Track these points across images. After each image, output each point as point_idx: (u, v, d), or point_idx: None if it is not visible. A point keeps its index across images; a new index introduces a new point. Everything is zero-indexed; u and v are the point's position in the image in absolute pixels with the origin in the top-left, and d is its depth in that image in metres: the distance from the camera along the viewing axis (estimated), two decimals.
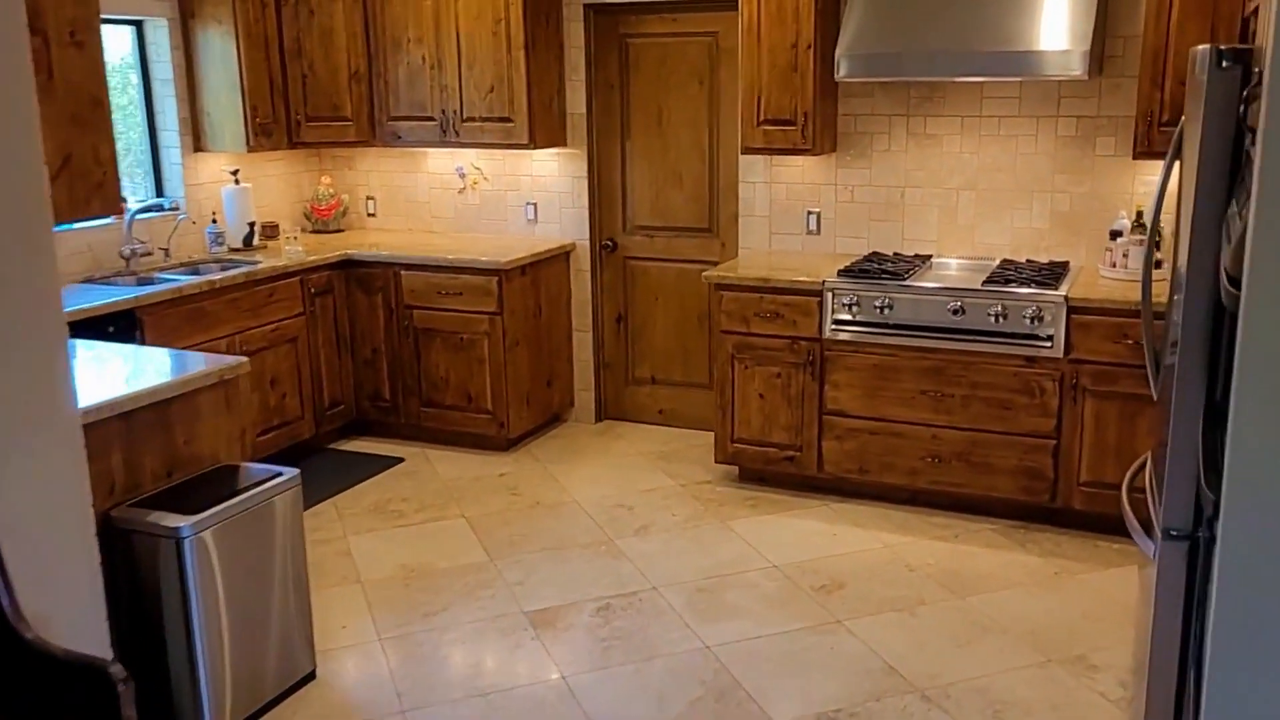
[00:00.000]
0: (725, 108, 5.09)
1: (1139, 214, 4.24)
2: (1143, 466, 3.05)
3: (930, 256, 4.69)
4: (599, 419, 5.69)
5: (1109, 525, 4.10)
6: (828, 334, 4.36)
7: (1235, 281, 1.57)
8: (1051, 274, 4.22)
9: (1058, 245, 4.51)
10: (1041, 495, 4.15)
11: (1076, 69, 3.83)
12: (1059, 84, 4.37)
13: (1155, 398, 2.73)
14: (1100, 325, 3.91)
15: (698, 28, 5.07)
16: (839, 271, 4.39)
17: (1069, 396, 4.02)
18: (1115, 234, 4.23)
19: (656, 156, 5.30)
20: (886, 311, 4.23)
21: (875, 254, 4.76)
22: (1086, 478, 4.06)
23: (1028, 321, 4.00)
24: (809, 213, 4.95)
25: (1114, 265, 4.21)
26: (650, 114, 5.26)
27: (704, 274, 4.59)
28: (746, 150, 4.67)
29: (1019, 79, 4.01)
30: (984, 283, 4.13)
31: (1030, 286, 4.04)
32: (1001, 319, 4.04)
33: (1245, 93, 1.83)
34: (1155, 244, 2.71)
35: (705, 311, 5.32)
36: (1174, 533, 2.33)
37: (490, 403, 5.14)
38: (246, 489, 2.98)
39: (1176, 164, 2.61)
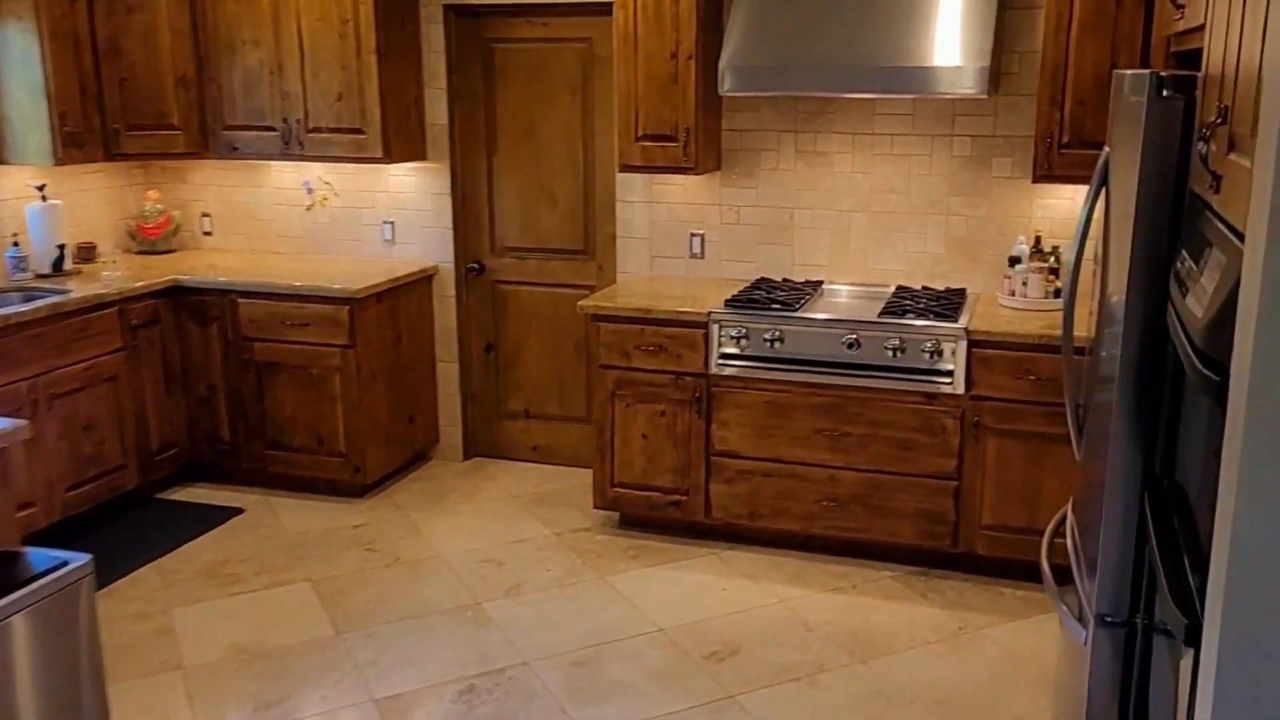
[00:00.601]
0: (601, 120, 4.76)
1: (1037, 239, 4.08)
2: (1063, 521, 2.82)
3: (821, 283, 4.45)
4: (467, 456, 5.28)
5: (1012, 570, 3.92)
6: (715, 369, 4.07)
7: (1213, 363, 1.30)
8: (949, 303, 4.01)
9: (954, 271, 4.32)
10: (943, 540, 3.94)
11: (974, 87, 3.62)
12: (953, 102, 4.18)
13: (1078, 455, 2.50)
14: (1002, 360, 3.72)
15: (570, 33, 4.72)
16: (726, 301, 4.10)
17: (970, 435, 3.81)
18: (1014, 260, 4.06)
19: (527, 172, 4.93)
20: (777, 345, 3.96)
21: (764, 280, 4.50)
22: (989, 521, 3.86)
23: (927, 356, 3.78)
24: (693, 235, 4.65)
25: (1013, 294, 4.03)
26: (519, 126, 4.88)
27: (579, 304, 4.24)
28: (624, 168, 4.35)
29: (912, 96, 3.80)
30: (880, 314, 3.90)
31: (928, 318, 3.82)
32: (899, 353, 3.81)
33: (1205, 130, 1.57)
34: (1071, 272, 2.48)
35: (582, 340, 4.97)
36: (1109, 619, 2.09)
37: (343, 444, 4.67)
38: (24, 583, 2.48)
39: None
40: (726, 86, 3.94)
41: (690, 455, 4.18)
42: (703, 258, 4.66)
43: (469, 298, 5.14)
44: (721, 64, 3.94)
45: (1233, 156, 1.44)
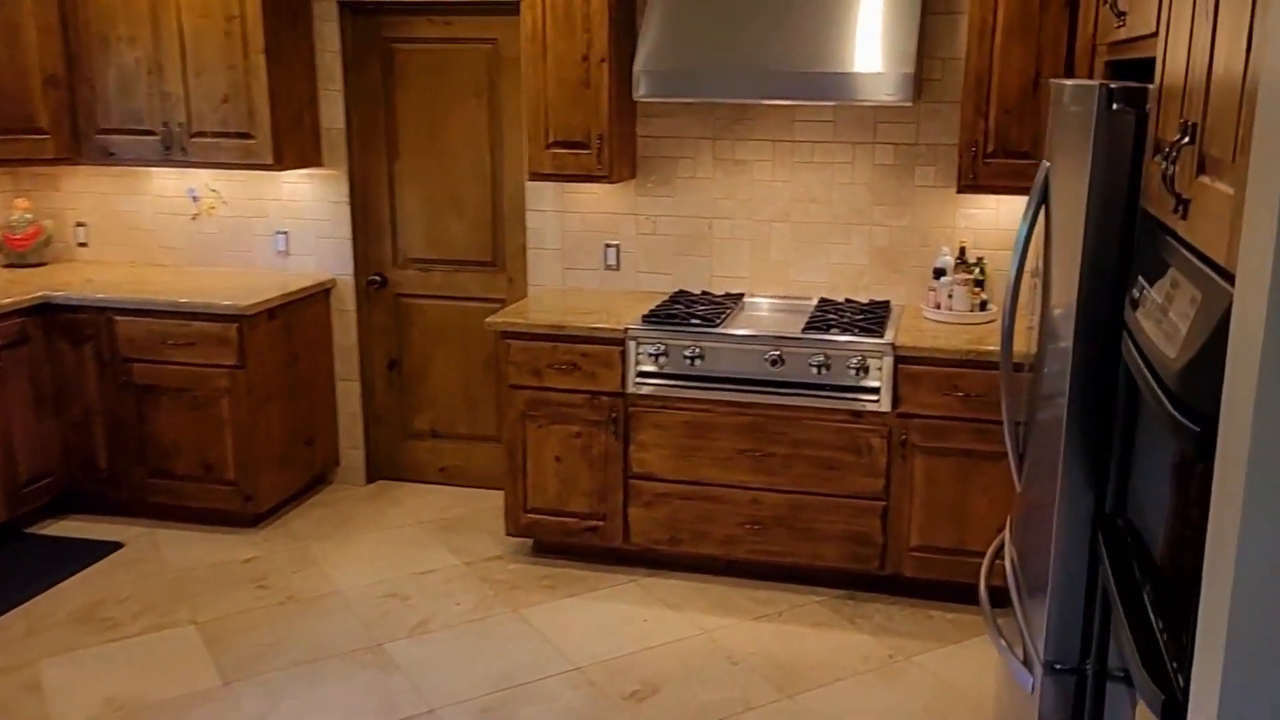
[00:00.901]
0: (509, 126, 4.55)
1: (962, 250, 4.00)
2: (1001, 547, 2.72)
3: (742, 296, 4.31)
4: (370, 480, 5.02)
5: (941, 592, 3.83)
6: (632, 388, 3.89)
7: (1191, 410, 1.17)
8: (874, 317, 3.91)
9: (878, 283, 4.22)
10: (870, 563, 3.83)
11: (899, 94, 3.52)
12: (875, 109, 4.08)
13: (1018, 480, 2.38)
14: (930, 376, 3.62)
15: (474, 33, 4.51)
16: (643, 316, 3.93)
17: (898, 454, 3.71)
18: (939, 272, 3.97)
19: (431, 179, 4.69)
20: (698, 362, 3.80)
21: (682, 293, 4.34)
22: (917, 542, 3.77)
23: (852, 372, 3.67)
24: (607, 246, 4.47)
25: (938, 306, 3.94)
26: (422, 131, 4.65)
27: (488, 320, 4.02)
28: (535, 176, 4.15)
29: (834, 103, 3.68)
30: (804, 329, 3.78)
31: (853, 332, 3.71)
32: (824, 370, 3.69)
33: (1167, 148, 1.45)
34: (1011, 289, 2.37)
35: (492, 356, 4.76)
36: (1058, 667, 1.97)
37: (234, 471, 4.38)
38: None
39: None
40: (641, 92, 3.77)
41: (607, 478, 4.00)
42: (618, 269, 4.49)
43: (370, 312, 4.88)
44: (636, 68, 3.77)
45: (1205, 179, 1.31)
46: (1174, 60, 1.56)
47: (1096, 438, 1.88)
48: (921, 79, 3.95)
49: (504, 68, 4.51)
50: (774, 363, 3.73)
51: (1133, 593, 1.54)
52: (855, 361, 3.66)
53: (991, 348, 3.55)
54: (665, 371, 3.85)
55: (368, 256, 4.83)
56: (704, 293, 4.35)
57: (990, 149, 3.69)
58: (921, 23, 3.74)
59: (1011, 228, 4.03)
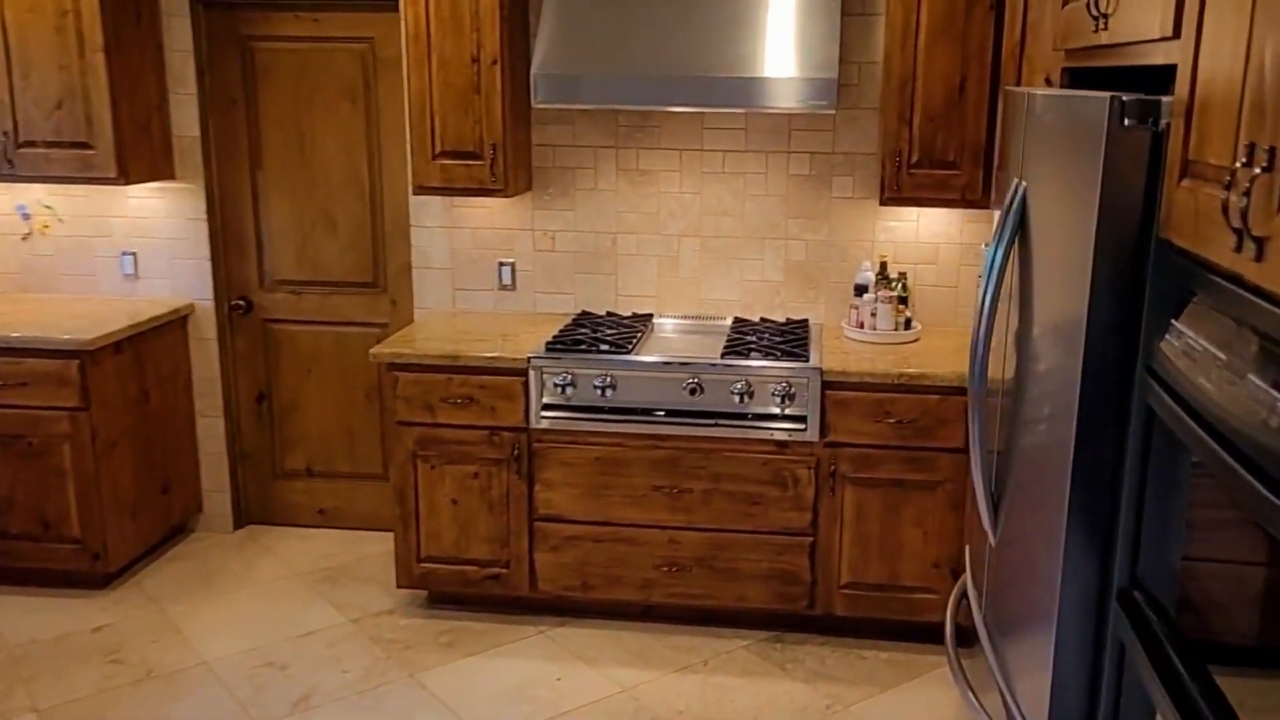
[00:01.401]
0: (390, 134, 4.18)
1: (883, 265, 3.83)
2: (963, 594, 2.52)
3: (650, 317, 4.05)
4: (239, 525, 4.57)
5: (873, 630, 3.65)
6: (536, 422, 3.58)
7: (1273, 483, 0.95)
8: (795, 338, 3.70)
9: (794, 301, 4.02)
10: (798, 602, 3.61)
11: (822, 101, 3.31)
12: (789, 116, 3.88)
13: (990, 531, 2.18)
14: (860, 402, 3.43)
15: (347, 31, 4.12)
16: (547, 343, 3.63)
17: (826, 486, 3.50)
18: (860, 289, 3.79)
19: (300, 193, 4.28)
20: (609, 393, 3.52)
21: (586, 315, 4.05)
22: (848, 579, 3.57)
23: (777, 400, 3.44)
24: (501, 264, 4.15)
25: (861, 325, 3.76)
26: (289, 139, 4.23)
27: (372, 352, 3.65)
28: (420, 190, 3.80)
29: (752, 110, 3.44)
30: (724, 353, 3.53)
31: (776, 356, 3.49)
32: (746, 398, 3.46)
33: (1232, 178, 1.24)
34: (985, 320, 2.16)
35: (375, 385, 4.38)
36: None
37: (78, 527, 3.88)
38: None
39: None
40: (540, 98, 3.47)
41: (510, 521, 3.68)
42: (514, 289, 4.17)
43: (234, 340, 4.44)
44: (534, 71, 3.46)
45: None
46: (1213, 69, 1.36)
47: (1104, 495, 1.67)
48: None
49: (382, 69, 4.14)
50: (692, 391, 3.48)
51: (1184, 698, 1.33)
52: (780, 388, 3.43)
53: (924, 370, 3.37)
54: (573, 403, 3.56)
55: (230, 279, 4.38)
56: (609, 314, 4.07)
57: (914, 159, 3.52)
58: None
59: (932, 240, 3.89)
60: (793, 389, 3.43)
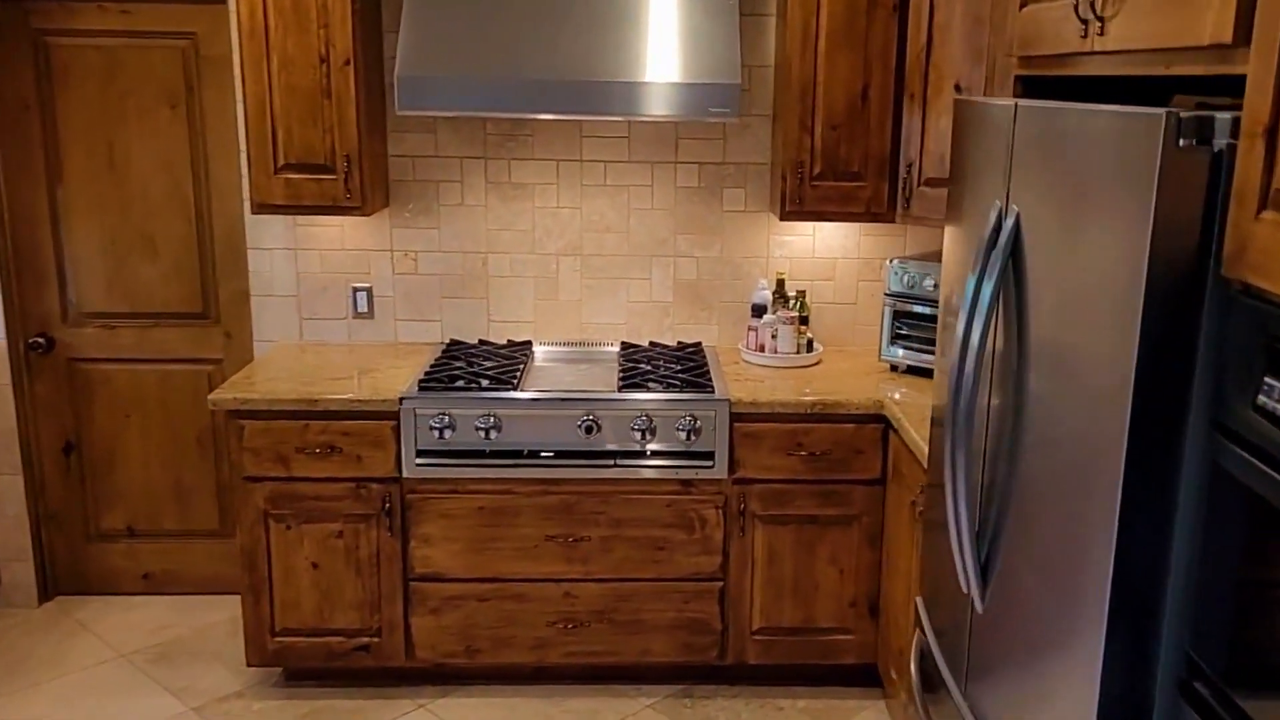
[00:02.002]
0: (219, 144, 3.69)
1: (780, 283, 3.62)
2: (923, 650, 2.31)
3: (529, 344, 3.71)
4: (46, 598, 3.97)
5: (788, 676, 3.43)
6: (411, 471, 3.20)
7: None
8: (694, 365, 3.44)
9: (685, 322, 3.77)
10: (708, 653, 3.36)
11: (725, 109, 3.06)
12: (676, 124, 3.62)
13: (977, 595, 1.96)
14: (770, 435, 3.20)
15: (164, 25, 3.61)
16: (420, 381, 3.24)
17: (735, 526, 3.26)
18: (758, 309, 3.57)
19: (112, 212, 3.73)
20: (493, 434, 3.17)
21: (457, 345, 3.68)
22: (760, 624, 3.34)
23: (683, 436, 3.17)
24: (356, 289, 3.73)
25: (761, 348, 3.54)
26: (96, 151, 3.68)
27: (212, 398, 3.18)
28: (261, 208, 3.34)
29: (648, 118, 3.15)
30: (621, 386, 3.24)
31: (678, 388, 3.22)
32: (649, 435, 3.17)
33: None
34: (973, 359, 1.94)
35: (209, 429, 3.87)
36: None
37: None
38: None
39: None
40: (403, 104, 3.08)
41: (382, 584, 3.28)
42: (371, 317, 3.75)
43: (33, 384, 3.84)
44: (399, 72, 3.07)
45: None
46: None
47: (1155, 570, 1.47)
48: None
49: (208, 70, 3.64)
50: (588, 429, 3.17)
51: None
52: (685, 423, 3.17)
53: (839, 398, 3.18)
54: (452, 448, 3.19)
55: (26, 313, 3.78)
56: (483, 343, 3.71)
57: (817, 170, 3.32)
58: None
59: (829, 256, 3.71)
60: (698, 423, 3.17)
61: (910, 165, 3.26)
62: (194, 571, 4.01)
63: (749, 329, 3.57)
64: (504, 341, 3.74)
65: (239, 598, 3.36)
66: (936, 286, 3.29)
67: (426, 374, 3.31)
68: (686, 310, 3.75)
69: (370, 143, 3.37)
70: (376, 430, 3.18)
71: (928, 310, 3.33)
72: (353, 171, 3.30)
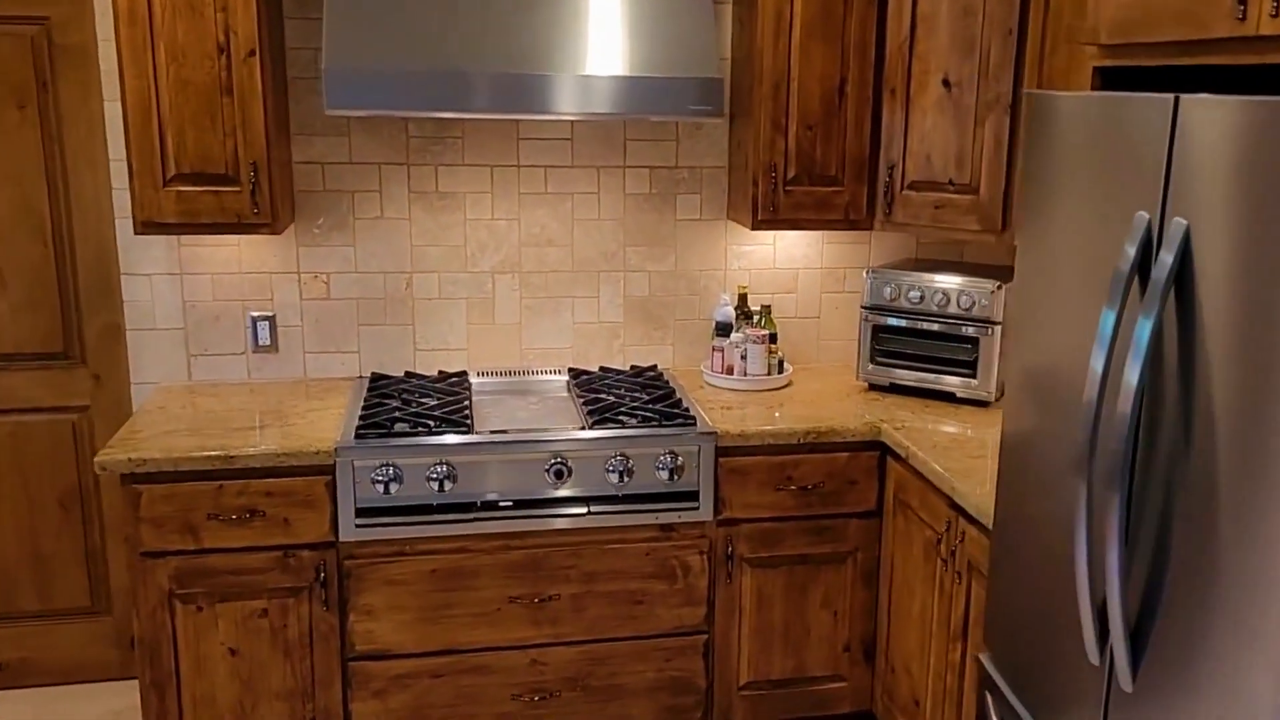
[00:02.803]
0: (81, 150, 3.11)
1: (742, 298, 3.33)
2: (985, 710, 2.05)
3: (464, 375, 3.29)
4: None
5: None
6: (350, 534, 2.74)
7: None
8: (661, 393, 3.11)
9: (637, 343, 3.43)
10: (693, 713, 3.03)
11: (707, 106, 2.74)
12: (624, 125, 3.27)
13: (1128, 680, 1.71)
14: (759, 469, 2.90)
15: (8, 8, 3.02)
16: (358, 428, 2.79)
17: (722, 572, 2.95)
18: (723, 328, 3.26)
19: None
20: (447, 485, 2.75)
21: (382, 380, 3.23)
22: (749, 678, 3.04)
23: (665, 475, 2.84)
24: (257, 319, 3.22)
25: (728, 370, 3.24)
26: None
27: (99, 460, 2.63)
28: (148, 227, 2.82)
29: (594, 117, 2.78)
30: (593, 421, 2.87)
31: (656, 421, 2.88)
32: (626, 476, 2.82)
33: None
34: (1130, 413, 1.70)
35: (74, 489, 3.29)
36: None
37: None
38: None
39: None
40: (333, 101, 2.62)
41: (316, 667, 2.81)
42: (276, 351, 3.25)
43: None
44: (325, 66, 2.61)
45: None
46: None
47: None
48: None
49: (65, 62, 3.07)
50: (558, 474, 2.79)
51: None
52: (666, 461, 2.83)
53: (834, 424, 2.91)
54: (399, 503, 2.75)
55: None
56: (410, 376, 3.27)
57: (791, 174, 3.04)
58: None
59: (791, 266, 3.44)
60: (680, 460, 2.84)
61: (892, 167, 3.02)
62: (59, 658, 3.41)
63: (714, 350, 3.26)
64: (435, 373, 3.31)
65: (123, 685, 2.83)
66: (922, 298, 3.07)
67: (362, 417, 2.85)
68: (638, 330, 3.41)
69: (278, 148, 2.89)
70: (307, 488, 2.71)
71: (912, 324, 3.10)
72: (261, 182, 2.81)
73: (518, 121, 3.22)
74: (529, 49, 2.67)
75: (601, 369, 3.37)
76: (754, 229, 3.08)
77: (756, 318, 3.31)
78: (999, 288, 2.98)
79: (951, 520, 2.53)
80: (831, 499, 2.94)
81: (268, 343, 3.23)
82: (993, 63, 2.83)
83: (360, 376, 3.29)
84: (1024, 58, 2.76)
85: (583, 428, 2.85)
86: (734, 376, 3.22)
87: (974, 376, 3.04)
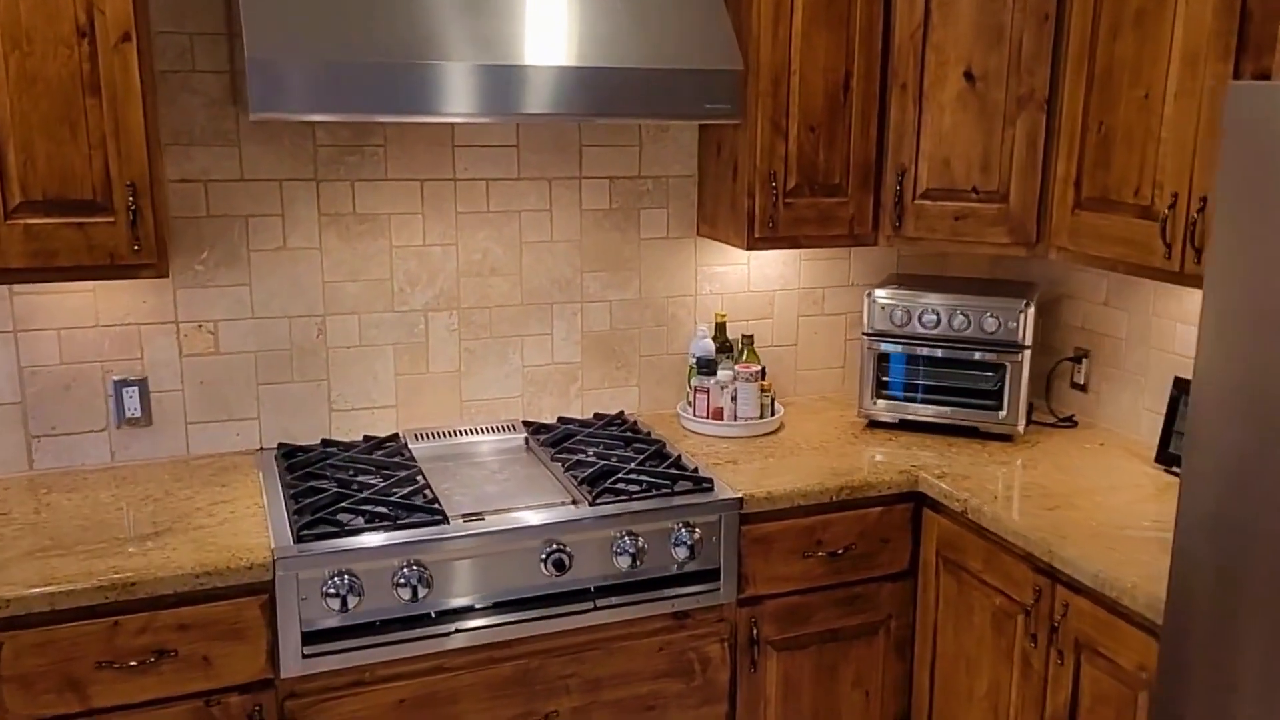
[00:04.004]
0: None
1: (720, 327, 2.89)
2: None
3: (396, 439, 2.70)
4: None
5: None
6: (295, 666, 2.13)
7: None
8: (647, 448, 2.62)
9: (598, 387, 2.92)
10: None
11: (721, 105, 2.28)
12: (579, 128, 2.76)
13: None
14: (785, 536, 2.47)
15: None
16: (299, 526, 2.16)
17: (745, 661, 2.50)
18: (706, 365, 2.80)
19: None
20: (420, 591, 2.17)
21: (293, 452, 2.59)
22: None
23: (682, 554, 2.36)
24: (122, 386, 2.52)
25: (716, 415, 2.79)
26: None
27: None
28: None
29: (574, 117, 2.26)
30: (595, 495, 2.35)
31: (666, 489, 2.40)
32: (639, 560, 2.33)
33: None
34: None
35: None
36: None
37: None
38: None
39: None
40: (259, 103, 1.99)
41: None
42: (148, 424, 2.56)
43: None
44: (248, 55, 1.97)
45: None
46: None
47: None
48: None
49: None
50: (558, 565, 2.26)
51: None
52: (683, 534, 2.35)
53: (869, 476, 2.51)
54: (358, 620, 2.15)
55: None
56: (327, 444, 2.64)
57: (791, 183, 2.63)
58: None
59: (767, 288, 3.03)
60: (697, 533, 2.37)
61: (902, 173, 2.65)
62: None
63: (696, 391, 2.80)
64: (360, 439, 2.69)
65: None
66: (939, 321, 2.72)
67: (295, 511, 2.23)
68: (598, 371, 2.91)
69: (160, 164, 2.22)
70: (235, 614, 2.07)
71: (929, 351, 2.75)
72: (143, 209, 2.14)
73: (453, 125, 2.65)
74: (514, 35, 2.12)
75: (561, 420, 2.84)
76: (749, 248, 2.64)
77: (738, 350, 2.88)
78: (1027, 305, 2.67)
79: (1042, 588, 2.19)
80: (863, 562, 2.55)
81: (137, 414, 2.53)
82: (1025, 53, 2.50)
83: (261, 449, 2.64)
84: (1064, 47, 2.45)
85: (574, 502, 2.33)
86: (724, 422, 2.77)
87: (999, 408, 2.72)
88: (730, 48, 2.29)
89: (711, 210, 2.80)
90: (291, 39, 1.98)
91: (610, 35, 2.21)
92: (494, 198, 2.72)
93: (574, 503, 2.34)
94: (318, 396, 2.67)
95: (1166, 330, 2.67)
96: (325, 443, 2.65)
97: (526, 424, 2.80)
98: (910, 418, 2.80)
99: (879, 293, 2.77)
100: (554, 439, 2.69)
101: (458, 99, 2.06)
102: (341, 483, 2.39)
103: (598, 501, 2.32)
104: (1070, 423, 2.88)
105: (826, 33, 2.56)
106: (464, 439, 2.73)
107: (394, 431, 2.73)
